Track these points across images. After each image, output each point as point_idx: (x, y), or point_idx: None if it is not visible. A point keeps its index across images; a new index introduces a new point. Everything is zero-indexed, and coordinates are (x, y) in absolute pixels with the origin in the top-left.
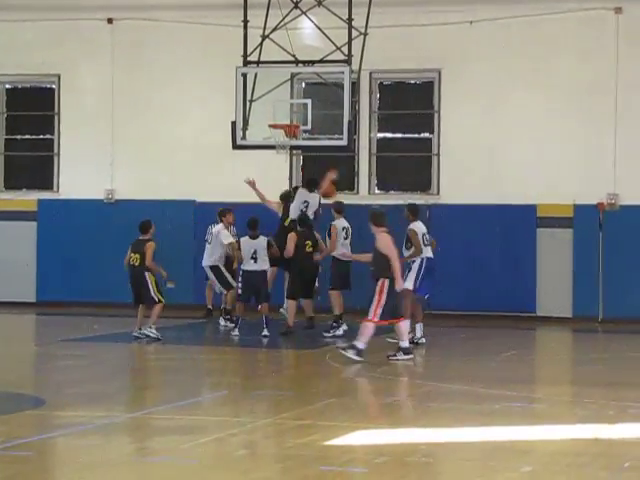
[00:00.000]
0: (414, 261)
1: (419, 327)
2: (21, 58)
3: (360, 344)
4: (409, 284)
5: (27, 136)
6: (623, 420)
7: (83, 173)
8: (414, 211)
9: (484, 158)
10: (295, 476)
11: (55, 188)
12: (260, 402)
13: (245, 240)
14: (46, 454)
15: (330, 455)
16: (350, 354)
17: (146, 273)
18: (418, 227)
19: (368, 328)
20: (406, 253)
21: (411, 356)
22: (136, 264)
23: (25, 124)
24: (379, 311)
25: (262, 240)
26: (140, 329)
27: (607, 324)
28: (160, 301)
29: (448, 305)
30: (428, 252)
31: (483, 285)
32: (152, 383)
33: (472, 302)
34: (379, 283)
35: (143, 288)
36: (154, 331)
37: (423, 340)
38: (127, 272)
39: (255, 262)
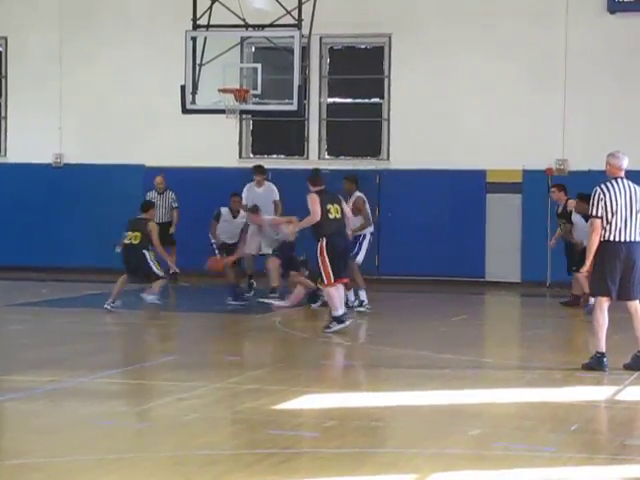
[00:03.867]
0: (364, 236)
1: (364, 293)
2: None
3: (337, 312)
4: (360, 259)
5: None
6: (570, 383)
7: (31, 137)
8: (355, 181)
9: (434, 123)
10: (244, 440)
11: (2, 152)
12: (209, 367)
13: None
14: None
15: (279, 419)
16: (335, 328)
17: (145, 251)
18: (364, 197)
19: (330, 295)
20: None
21: (346, 324)
22: (135, 242)
23: None
24: (329, 271)
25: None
26: (114, 302)
27: (555, 289)
28: (163, 276)
29: (398, 270)
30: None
31: (433, 250)
32: (101, 348)
33: (422, 267)
34: (318, 245)
35: (143, 266)
36: (155, 297)
37: (369, 306)
38: (122, 251)
39: None
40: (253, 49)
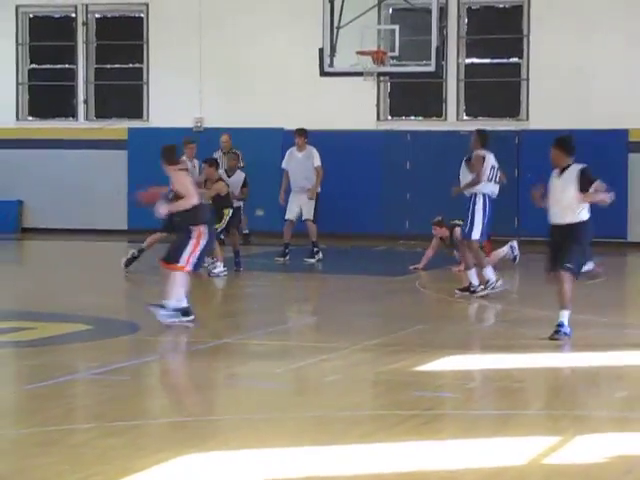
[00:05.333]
0: (476, 201)
1: (489, 270)
2: None
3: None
4: (475, 234)
5: (117, 65)
6: None
7: (172, 101)
8: (484, 138)
9: (574, 83)
10: (387, 401)
11: (145, 117)
12: (351, 328)
13: None
14: (140, 378)
15: (421, 380)
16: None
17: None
18: (488, 156)
19: (179, 278)
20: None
21: (189, 318)
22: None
23: (115, 53)
24: (192, 260)
25: None
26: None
27: None
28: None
29: (539, 232)
30: (490, 187)
31: None
32: (241, 310)
33: None
34: (194, 230)
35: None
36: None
37: (500, 283)
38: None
39: None
40: (390, 10)
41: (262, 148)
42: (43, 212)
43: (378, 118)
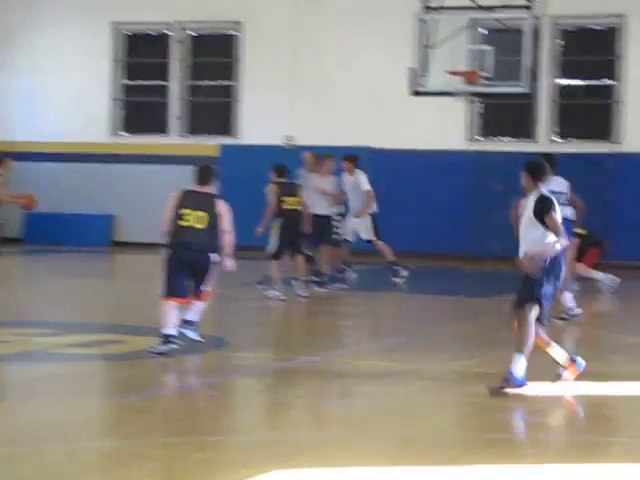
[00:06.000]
0: None
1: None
2: (204, 5)
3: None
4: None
5: (210, 82)
6: None
7: (263, 119)
8: (547, 162)
9: None
10: (474, 424)
11: (236, 133)
12: (440, 348)
13: None
14: (228, 394)
15: (509, 404)
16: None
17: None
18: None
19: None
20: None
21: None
22: (298, 207)
23: (208, 71)
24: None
25: None
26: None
27: None
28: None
29: (630, 255)
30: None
31: None
32: (328, 328)
33: None
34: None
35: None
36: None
37: (579, 310)
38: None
39: None
40: (483, 31)
41: None
42: (134, 226)
43: (468, 138)
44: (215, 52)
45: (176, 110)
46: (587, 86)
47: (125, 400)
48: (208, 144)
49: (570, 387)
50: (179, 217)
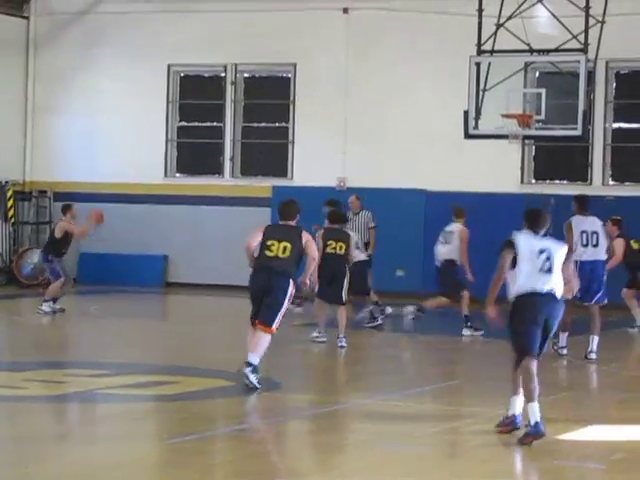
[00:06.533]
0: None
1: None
2: (258, 47)
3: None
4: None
5: (263, 124)
6: None
7: (316, 160)
8: (580, 202)
9: None
10: (528, 469)
11: (289, 175)
12: (492, 392)
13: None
14: (280, 436)
15: (564, 449)
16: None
17: (347, 266)
18: (578, 221)
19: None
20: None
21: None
22: (340, 252)
23: (261, 112)
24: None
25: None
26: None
27: None
28: (345, 303)
29: None
30: (584, 254)
31: None
32: (377, 371)
33: None
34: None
35: (341, 279)
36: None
37: (565, 351)
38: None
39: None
40: (537, 74)
41: (404, 209)
42: (187, 267)
43: (522, 181)
44: (269, 93)
45: (230, 151)
46: None
47: (177, 441)
48: (261, 185)
49: (622, 432)
50: (266, 247)
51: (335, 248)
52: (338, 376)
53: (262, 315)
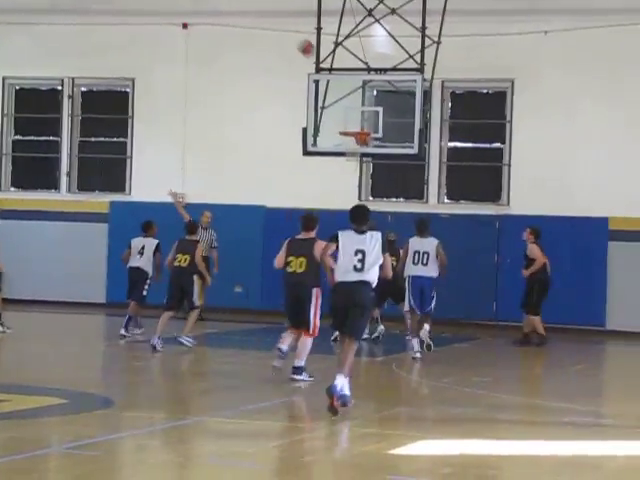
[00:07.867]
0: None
1: (416, 341)
2: (96, 62)
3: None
4: (406, 304)
5: (101, 138)
6: None
7: (154, 176)
8: (418, 226)
9: (556, 169)
10: None
11: (127, 190)
12: (325, 409)
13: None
14: (114, 454)
15: (396, 464)
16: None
17: (194, 275)
18: (414, 242)
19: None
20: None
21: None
22: (184, 265)
23: (99, 127)
24: (318, 323)
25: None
26: (159, 337)
27: None
28: (198, 306)
29: (515, 316)
30: (415, 271)
31: (552, 297)
32: (215, 387)
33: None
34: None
35: (187, 290)
36: (190, 339)
37: (418, 355)
38: (170, 273)
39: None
40: (375, 92)
41: (243, 225)
42: (21, 282)
43: (359, 198)
44: (107, 108)
45: (66, 166)
46: (477, 148)
47: (6, 460)
48: (99, 201)
49: (456, 446)
50: (287, 264)
51: (180, 261)
52: (172, 393)
53: (301, 323)
